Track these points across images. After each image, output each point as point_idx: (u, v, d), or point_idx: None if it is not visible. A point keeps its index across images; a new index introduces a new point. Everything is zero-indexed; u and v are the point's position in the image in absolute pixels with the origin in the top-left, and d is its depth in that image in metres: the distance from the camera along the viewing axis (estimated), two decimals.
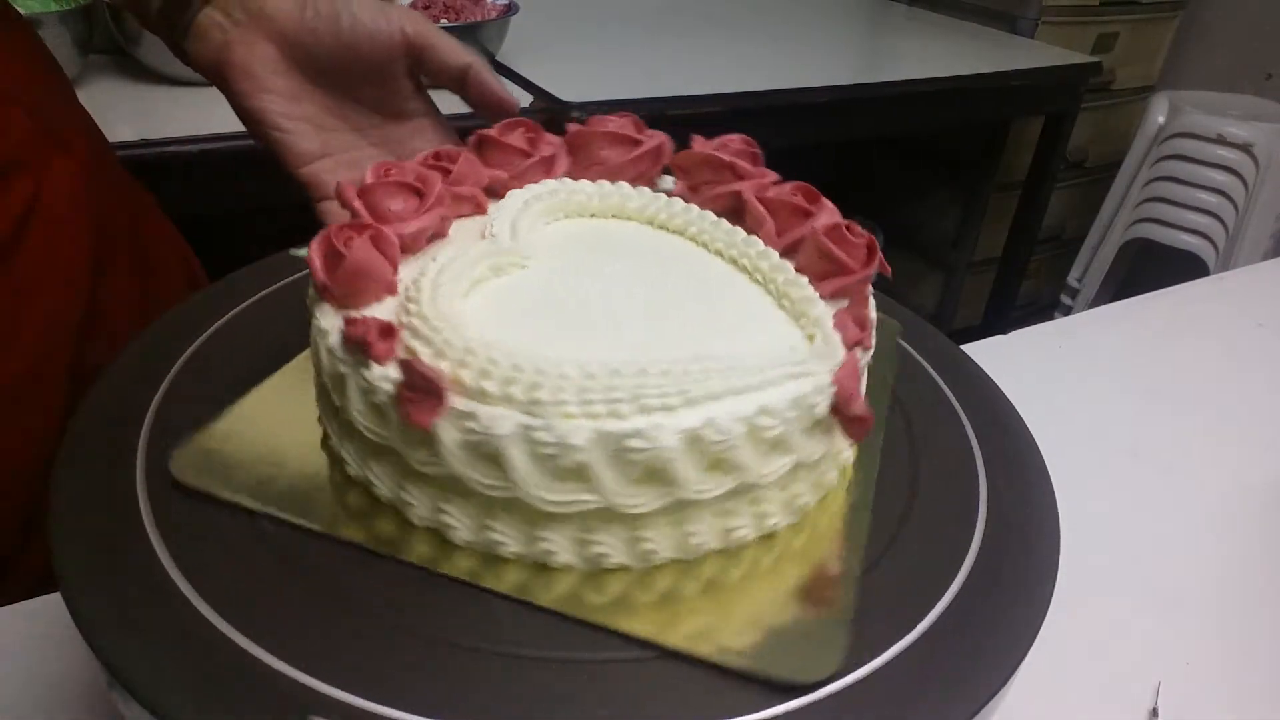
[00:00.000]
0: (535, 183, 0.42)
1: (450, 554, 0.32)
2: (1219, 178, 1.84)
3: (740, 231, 0.39)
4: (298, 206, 0.50)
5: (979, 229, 2.05)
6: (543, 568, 0.32)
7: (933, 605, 0.33)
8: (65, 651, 0.40)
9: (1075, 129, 1.80)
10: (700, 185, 0.42)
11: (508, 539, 0.32)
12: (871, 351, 0.35)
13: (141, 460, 0.35)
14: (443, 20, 1.20)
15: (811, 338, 0.34)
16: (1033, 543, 0.36)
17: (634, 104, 1.20)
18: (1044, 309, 2.29)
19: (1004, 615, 0.33)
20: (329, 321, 0.33)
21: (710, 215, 0.40)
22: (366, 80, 0.47)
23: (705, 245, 0.40)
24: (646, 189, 0.42)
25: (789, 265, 0.37)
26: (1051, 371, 0.71)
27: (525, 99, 1.18)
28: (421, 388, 0.29)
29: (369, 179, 0.37)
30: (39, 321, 0.53)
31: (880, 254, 0.37)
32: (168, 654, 0.28)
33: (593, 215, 0.42)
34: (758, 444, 0.30)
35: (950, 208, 2.11)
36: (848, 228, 0.37)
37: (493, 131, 0.43)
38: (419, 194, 0.37)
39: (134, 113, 1.01)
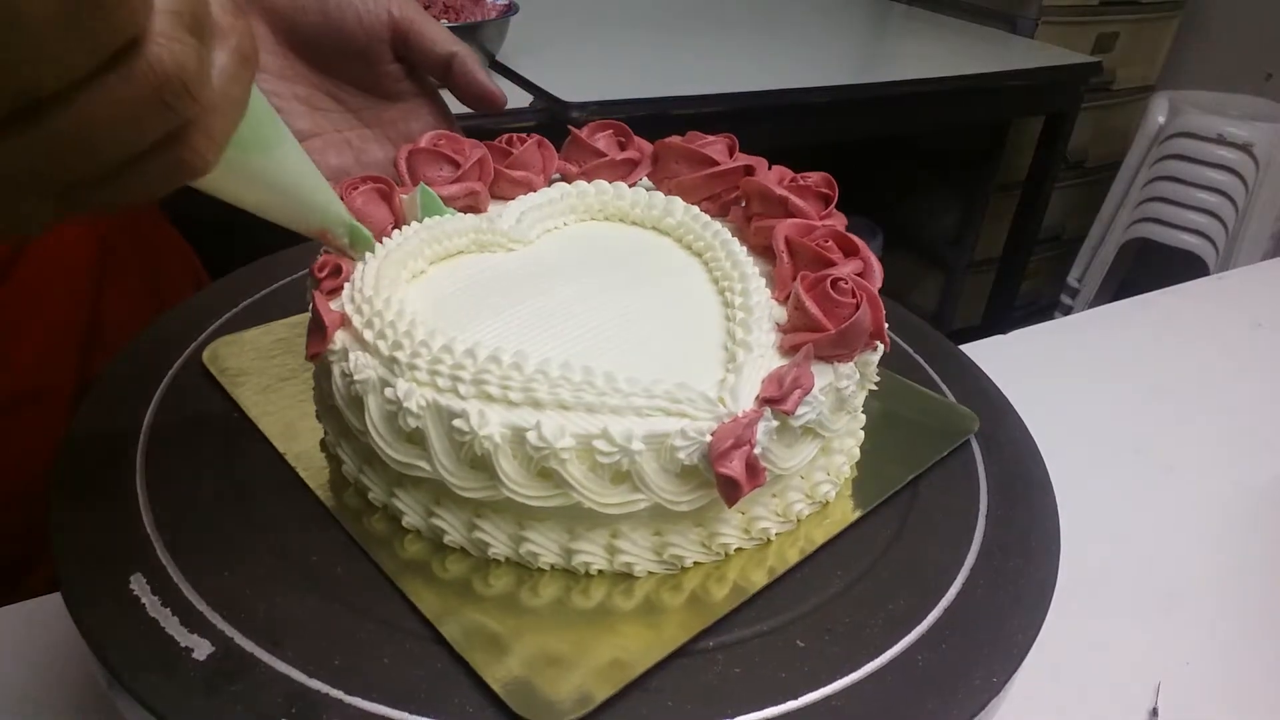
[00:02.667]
0: (608, 180, 0.43)
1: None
2: (1219, 178, 1.84)
3: (747, 267, 0.38)
4: None
5: (979, 229, 2.05)
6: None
7: (933, 606, 0.33)
8: (65, 651, 0.40)
9: (1075, 129, 1.80)
10: (753, 215, 0.41)
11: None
12: (805, 419, 0.32)
13: (141, 460, 0.35)
14: (443, 20, 1.20)
15: (722, 383, 0.32)
16: (1033, 543, 0.36)
17: (634, 104, 1.20)
18: (1044, 309, 2.29)
19: (1004, 615, 0.33)
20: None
21: (732, 247, 0.39)
22: (355, 60, 0.47)
23: (709, 272, 0.40)
24: (692, 209, 0.42)
25: (764, 308, 0.35)
26: (1051, 371, 0.71)
27: (525, 99, 1.18)
28: (317, 323, 0.33)
29: (422, 143, 0.41)
30: (42, 333, 0.52)
31: (862, 321, 0.33)
32: (167, 654, 0.28)
33: (630, 221, 0.43)
34: (593, 466, 0.30)
35: (950, 208, 2.11)
36: (833, 283, 0.34)
37: (581, 132, 0.44)
38: (456, 165, 0.41)
39: None
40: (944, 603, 0.33)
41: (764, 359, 0.33)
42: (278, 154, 0.29)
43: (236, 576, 0.31)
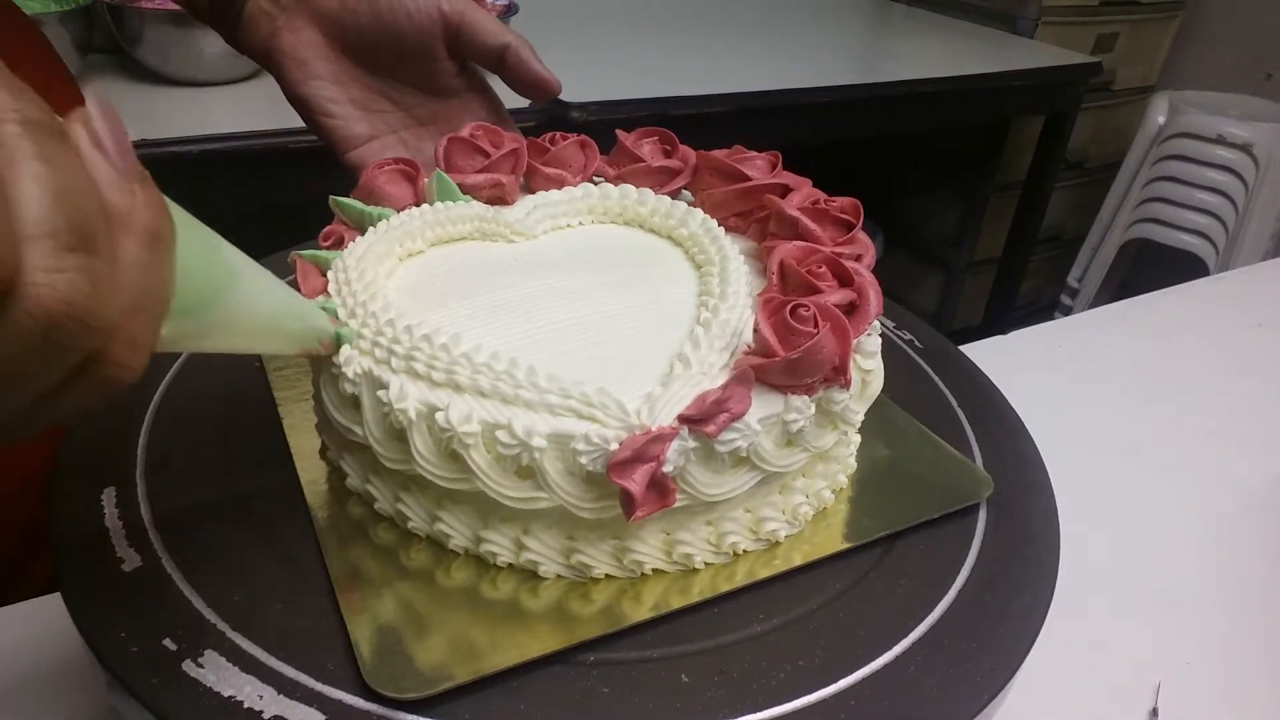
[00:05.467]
0: (644, 186, 0.43)
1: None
2: (1219, 178, 1.84)
3: (740, 283, 0.36)
4: (299, 207, 0.50)
5: (979, 229, 2.05)
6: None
7: (933, 606, 0.33)
8: (65, 651, 0.40)
9: (1075, 129, 1.80)
10: (769, 235, 0.40)
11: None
12: (732, 445, 0.31)
13: (141, 460, 0.35)
14: None
15: (647, 397, 0.31)
16: (1033, 543, 0.36)
17: (634, 104, 1.20)
18: (1044, 309, 2.29)
19: (1004, 615, 0.33)
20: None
21: (734, 260, 0.38)
22: (407, 59, 0.47)
23: (704, 284, 0.38)
24: (709, 221, 0.41)
25: (730, 326, 0.34)
26: (1051, 371, 0.71)
27: (525, 99, 1.18)
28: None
29: (463, 134, 0.43)
30: None
31: (814, 349, 0.31)
32: (167, 654, 0.28)
33: (647, 227, 0.43)
34: (497, 457, 0.30)
35: (950, 208, 2.11)
36: (793, 309, 0.32)
37: (627, 140, 0.45)
38: (487, 156, 0.42)
39: (134, 113, 1.01)
40: (943, 603, 0.33)
41: (705, 378, 0.31)
42: (233, 299, 0.25)
43: (238, 577, 0.31)
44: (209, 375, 0.40)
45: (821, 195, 0.41)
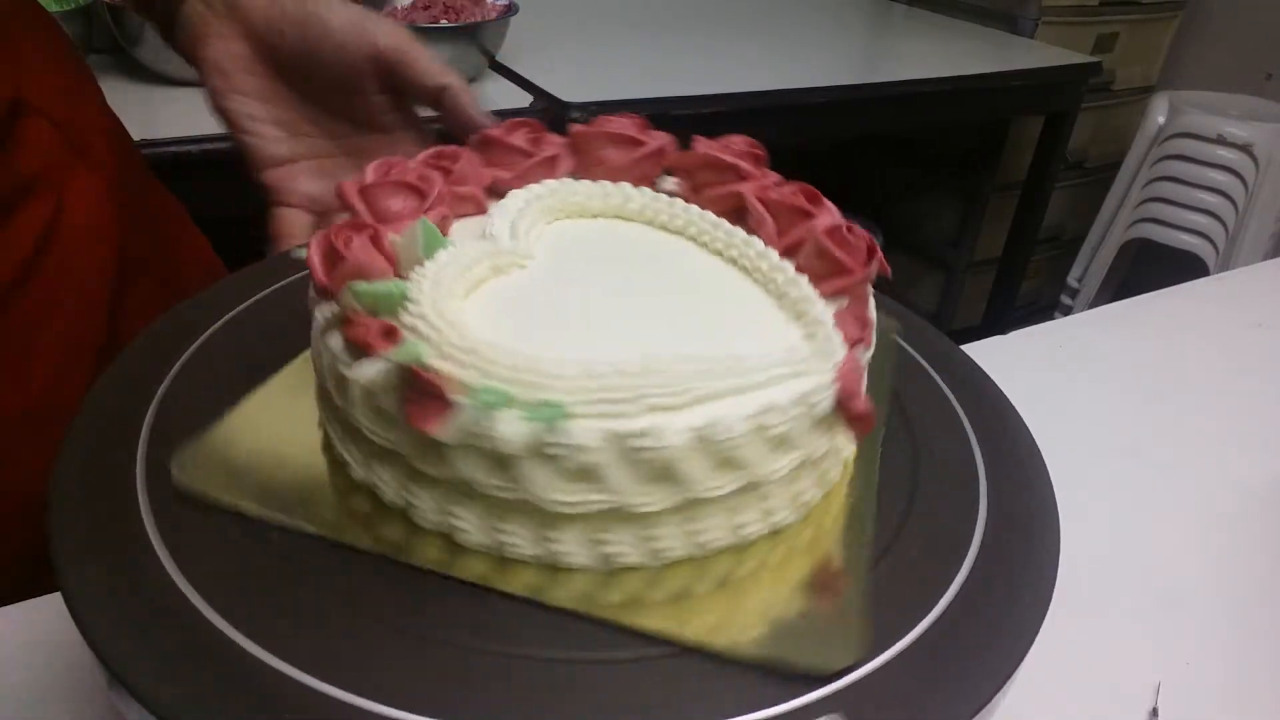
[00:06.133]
0: (537, 183, 0.42)
1: (460, 557, 0.32)
2: (1219, 178, 1.84)
3: (740, 232, 0.39)
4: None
5: (979, 229, 2.05)
6: (554, 569, 0.32)
7: (933, 605, 0.33)
8: (65, 651, 0.40)
9: (1075, 129, 1.81)
10: (702, 186, 0.42)
11: (519, 540, 0.32)
12: (872, 350, 0.35)
13: (141, 460, 0.35)
14: (443, 20, 1.20)
15: (812, 336, 0.33)
16: (1033, 542, 0.36)
17: (634, 104, 1.20)
18: (1044, 309, 2.29)
19: (1004, 614, 0.33)
20: (330, 310, 0.33)
21: (710, 215, 0.40)
22: (337, 89, 0.46)
23: (705, 245, 0.40)
24: (647, 190, 0.42)
25: (789, 265, 0.36)
26: (1051, 371, 0.71)
27: (525, 99, 1.18)
28: (425, 392, 0.29)
29: (369, 178, 0.37)
30: (57, 345, 0.51)
31: (880, 254, 0.36)
32: (167, 654, 0.28)
33: (594, 215, 0.42)
34: (764, 442, 0.30)
35: (950, 208, 2.11)
36: (848, 229, 0.36)
37: (496, 131, 0.42)
38: (420, 193, 0.37)
39: (134, 113, 1.01)
40: (943, 602, 0.33)
41: (821, 302, 0.34)
42: None
43: (239, 576, 0.31)
44: (210, 375, 0.40)
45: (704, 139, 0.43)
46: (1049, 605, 0.33)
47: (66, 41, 0.56)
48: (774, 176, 0.41)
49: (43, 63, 0.52)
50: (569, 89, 1.19)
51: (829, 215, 0.38)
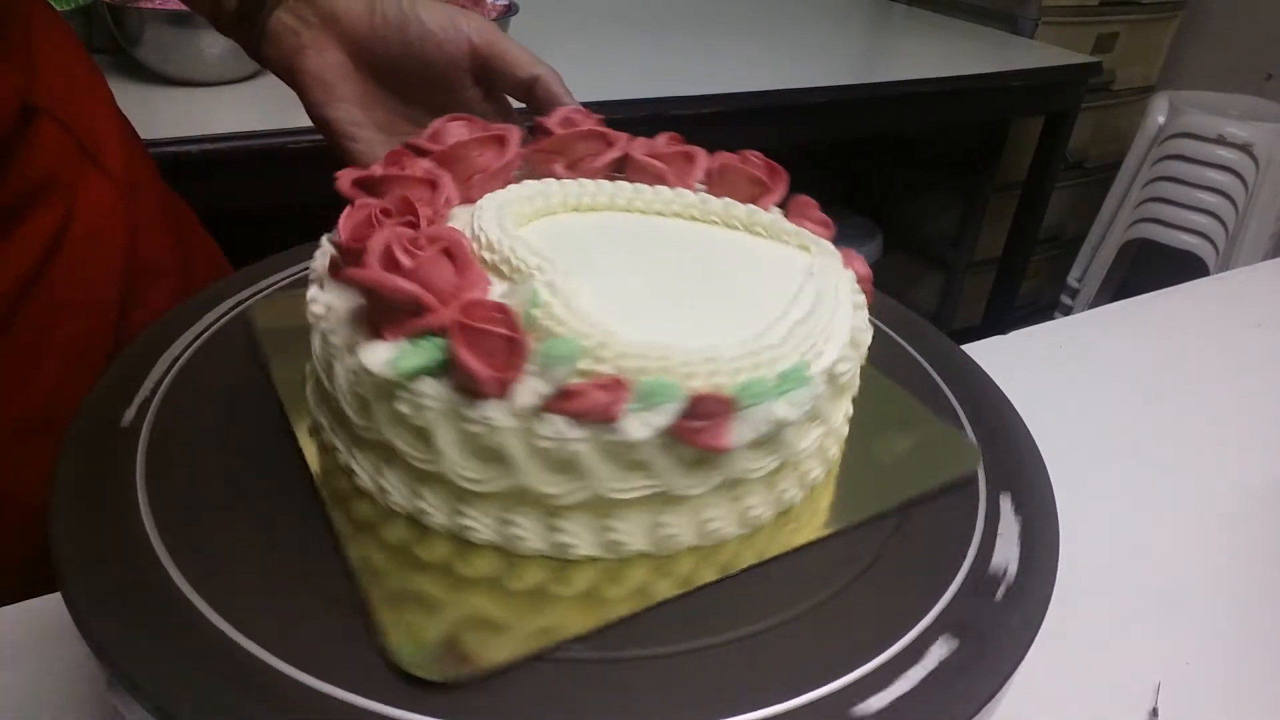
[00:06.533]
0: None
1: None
2: (1219, 178, 1.84)
3: (686, 192, 0.41)
4: (299, 207, 0.50)
5: (979, 229, 2.05)
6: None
7: (932, 605, 0.33)
8: (65, 651, 0.40)
9: (1075, 129, 1.80)
10: (578, 161, 0.41)
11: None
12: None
13: (141, 460, 0.35)
14: None
15: (806, 248, 0.38)
16: (1033, 543, 0.36)
17: (634, 104, 1.20)
18: (1044, 309, 2.29)
19: (1004, 615, 0.33)
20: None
21: (663, 189, 0.41)
22: (433, 87, 0.47)
23: (677, 215, 0.41)
24: (605, 182, 0.41)
25: (740, 204, 0.40)
26: (1051, 371, 0.71)
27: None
28: (706, 414, 0.29)
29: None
30: (67, 348, 0.51)
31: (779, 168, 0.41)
32: (168, 654, 0.28)
33: (574, 209, 0.42)
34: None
35: (950, 208, 2.11)
36: (742, 158, 0.41)
37: (438, 124, 0.41)
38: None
39: (134, 113, 1.01)
40: (942, 602, 0.33)
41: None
42: None
43: (239, 576, 0.31)
44: (210, 376, 0.40)
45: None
46: (1048, 605, 0.33)
47: (77, 42, 0.56)
48: (625, 135, 0.42)
49: (55, 65, 0.52)
50: (569, 89, 1.19)
51: (704, 156, 0.42)
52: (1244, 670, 0.47)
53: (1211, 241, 1.87)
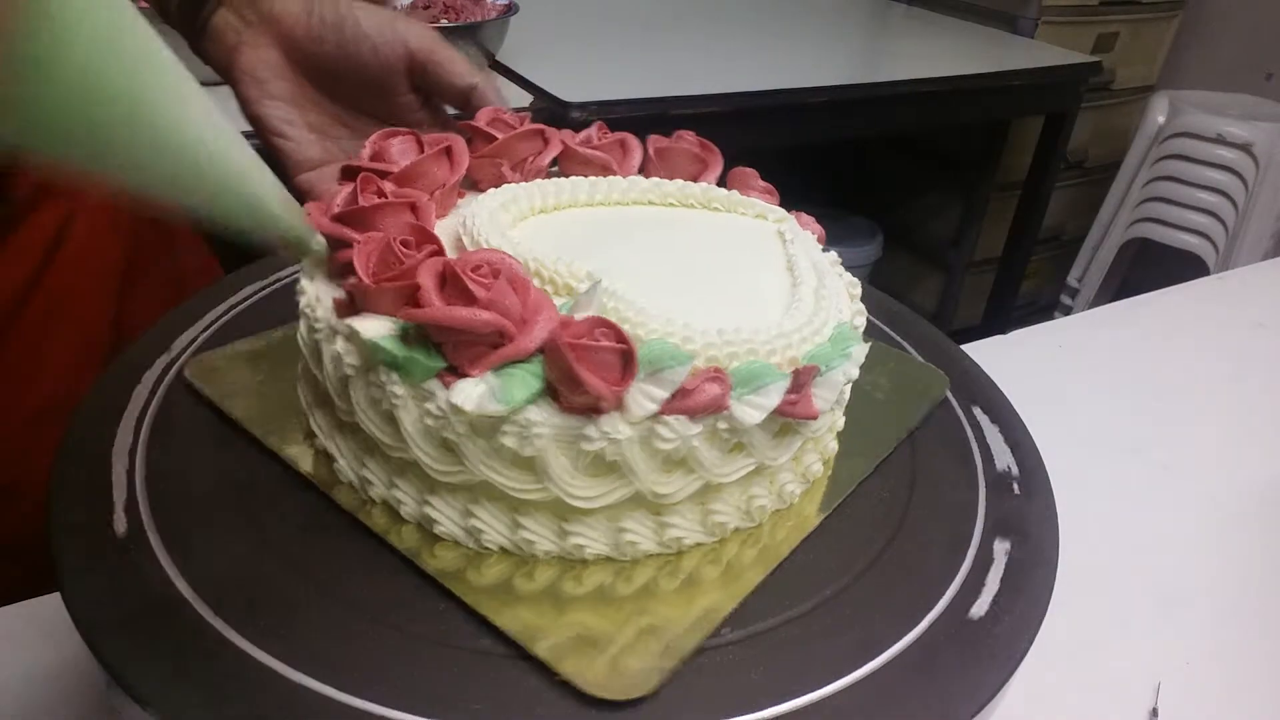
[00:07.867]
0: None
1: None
2: (1219, 177, 1.84)
3: (640, 179, 0.42)
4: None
5: (979, 229, 2.05)
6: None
7: (932, 605, 0.33)
8: (65, 651, 0.40)
9: (1075, 129, 1.80)
10: (521, 162, 0.41)
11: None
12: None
13: (142, 460, 0.35)
14: (443, 20, 1.20)
15: (764, 216, 0.41)
16: (1033, 543, 0.36)
17: (634, 104, 1.20)
18: (1044, 309, 2.29)
19: (1004, 614, 0.33)
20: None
21: (617, 179, 0.42)
22: (369, 91, 0.47)
23: (653, 203, 0.42)
24: (560, 180, 0.42)
25: (693, 183, 0.42)
26: (1051, 371, 0.71)
27: (525, 99, 1.18)
28: (801, 385, 0.31)
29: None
30: (67, 347, 0.52)
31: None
32: (167, 653, 0.28)
33: (541, 211, 0.41)
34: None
35: (950, 208, 2.10)
36: (678, 136, 0.43)
37: (376, 139, 0.40)
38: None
39: None
40: (943, 602, 0.33)
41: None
42: (156, 108, 0.18)
43: (237, 576, 0.31)
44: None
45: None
46: (1049, 605, 0.33)
47: None
48: (565, 132, 0.43)
49: None
50: (569, 89, 1.19)
51: (636, 143, 0.43)
52: (1244, 670, 0.47)
53: (1211, 241, 1.87)
